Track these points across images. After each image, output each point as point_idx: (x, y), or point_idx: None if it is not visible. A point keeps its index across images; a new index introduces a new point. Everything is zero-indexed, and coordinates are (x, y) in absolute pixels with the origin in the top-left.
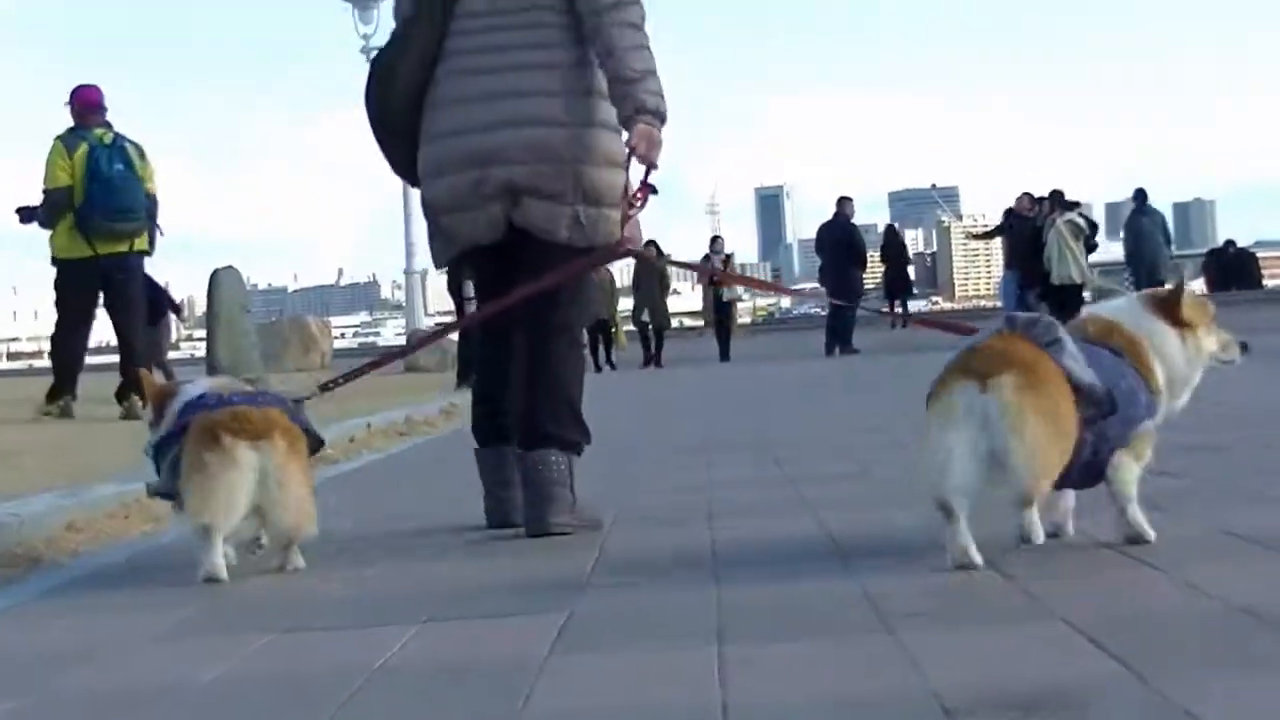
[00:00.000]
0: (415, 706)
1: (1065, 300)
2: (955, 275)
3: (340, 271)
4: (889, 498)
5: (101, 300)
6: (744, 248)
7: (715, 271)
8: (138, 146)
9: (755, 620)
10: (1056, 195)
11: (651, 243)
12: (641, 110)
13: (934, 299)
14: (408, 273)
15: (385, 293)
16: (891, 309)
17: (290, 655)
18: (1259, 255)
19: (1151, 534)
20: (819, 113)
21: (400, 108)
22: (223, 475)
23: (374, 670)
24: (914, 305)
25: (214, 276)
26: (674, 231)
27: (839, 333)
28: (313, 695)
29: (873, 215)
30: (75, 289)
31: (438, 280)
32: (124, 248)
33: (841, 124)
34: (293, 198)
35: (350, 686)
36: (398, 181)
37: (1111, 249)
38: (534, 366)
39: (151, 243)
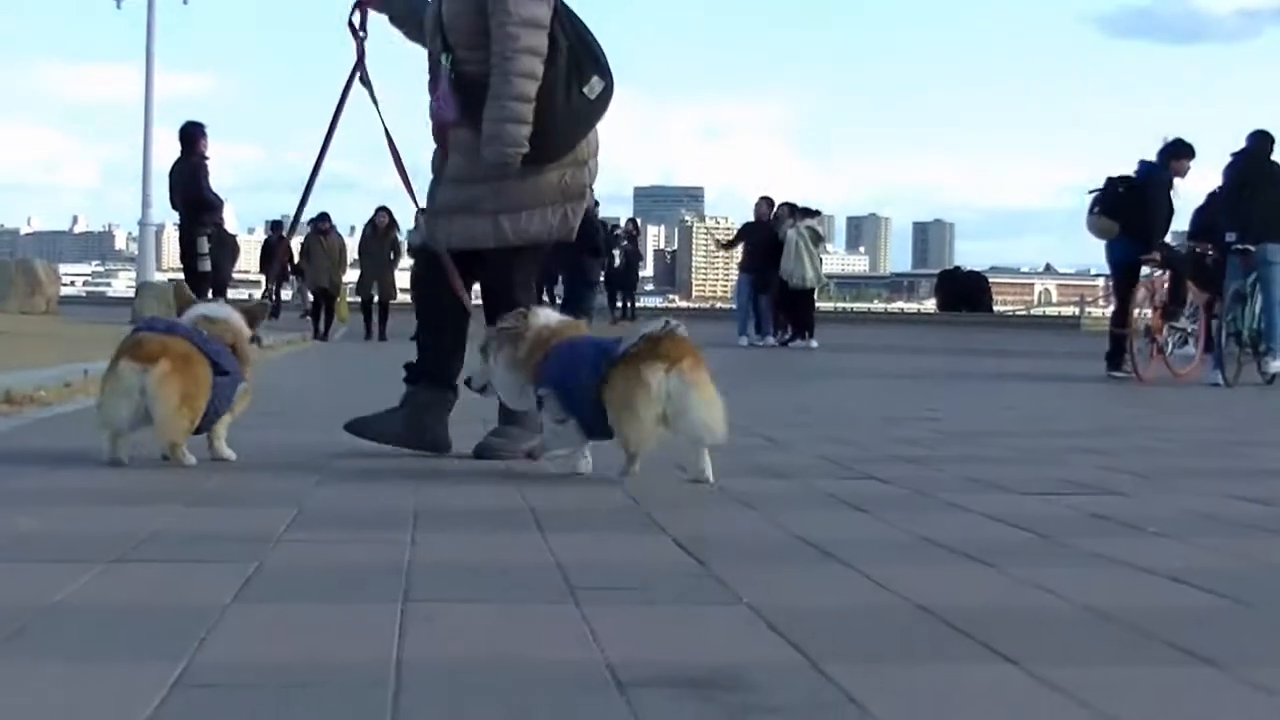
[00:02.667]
0: (83, 645)
1: (798, 302)
2: (694, 275)
3: (75, 219)
4: (592, 478)
5: None
6: None
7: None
8: None
9: (443, 581)
10: (791, 205)
11: (384, 209)
12: None
13: (670, 297)
14: (142, 224)
15: (120, 244)
16: (623, 303)
17: None
18: (992, 280)
19: None
20: None
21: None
22: None
23: (46, 606)
24: (650, 301)
25: None
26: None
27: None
28: None
29: (618, 210)
30: None
31: (172, 235)
32: None
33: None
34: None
35: (20, 619)
36: (136, 136)
37: (851, 261)
38: None
39: None
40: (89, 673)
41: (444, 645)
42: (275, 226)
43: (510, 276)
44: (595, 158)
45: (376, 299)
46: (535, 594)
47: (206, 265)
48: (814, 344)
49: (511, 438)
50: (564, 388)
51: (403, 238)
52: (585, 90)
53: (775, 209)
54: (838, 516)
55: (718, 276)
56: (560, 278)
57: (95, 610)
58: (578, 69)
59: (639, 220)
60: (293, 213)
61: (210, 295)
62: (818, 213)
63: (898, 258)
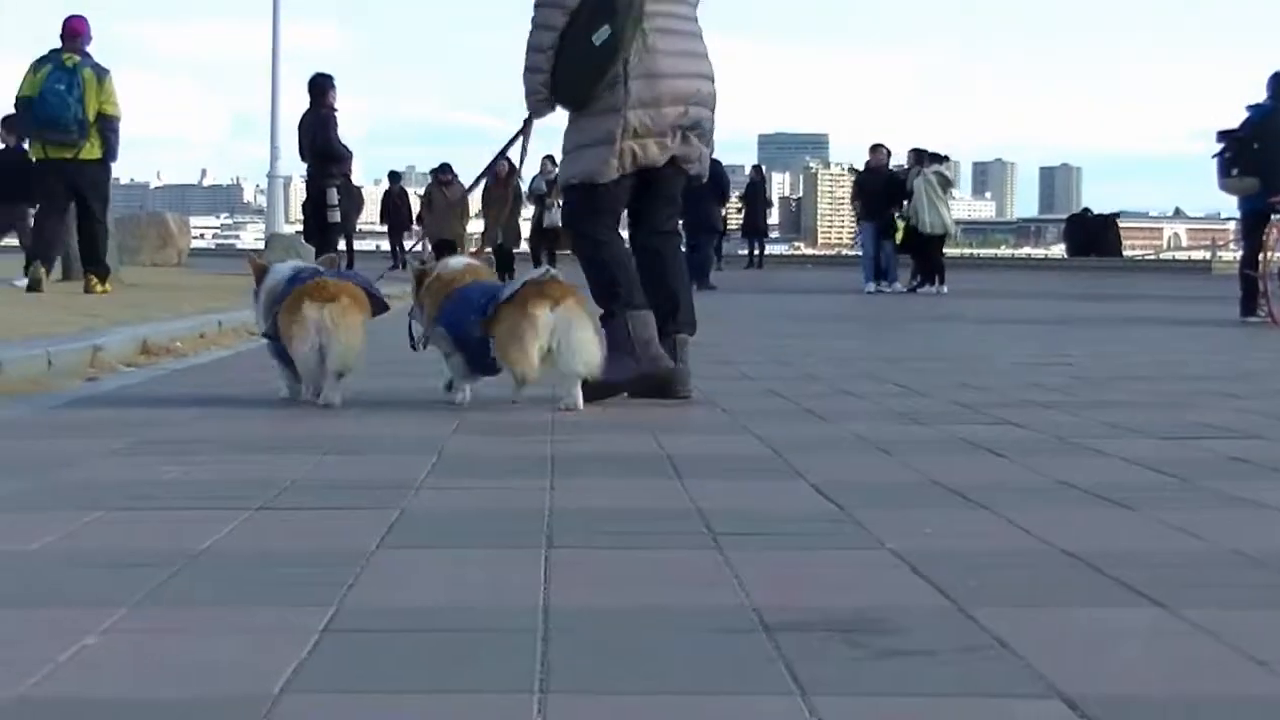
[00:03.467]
0: (232, 590)
1: (928, 247)
2: (820, 222)
3: (204, 172)
4: (728, 425)
5: None
6: None
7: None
8: (99, 72)
9: (585, 527)
10: (919, 150)
11: (505, 156)
12: None
13: (796, 244)
14: (271, 177)
15: (248, 196)
16: (751, 250)
17: (117, 532)
18: (1121, 224)
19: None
20: None
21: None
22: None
23: (198, 552)
24: (775, 249)
25: None
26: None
27: (696, 267)
28: (132, 572)
29: (741, 157)
30: (40, 185)
31: (298, 187)
32: (69, 155)
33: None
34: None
35: (171, 566)
36: (265, 90)
37: (977, 206)
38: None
39: (106, 153)
40: (240, 618)
41: (589, 591)
42: (394, 178)
43: (573, 210)
44: (645, 109)
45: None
46: (677, 540)
47: (336, 216)
48: (944, 290)
49: None
50: (455, 326)
51: (524, 186)
52: (594, 38)
53: (908, 156)
54: (976, 461)
55: (844, 224)
56: (684, 223)
57: (243, 557)
58: (592, 18)
59: (764, 167)
60: (415, 165)
61: (340, 246)
62: (946, 158)
63: (1024, 203)
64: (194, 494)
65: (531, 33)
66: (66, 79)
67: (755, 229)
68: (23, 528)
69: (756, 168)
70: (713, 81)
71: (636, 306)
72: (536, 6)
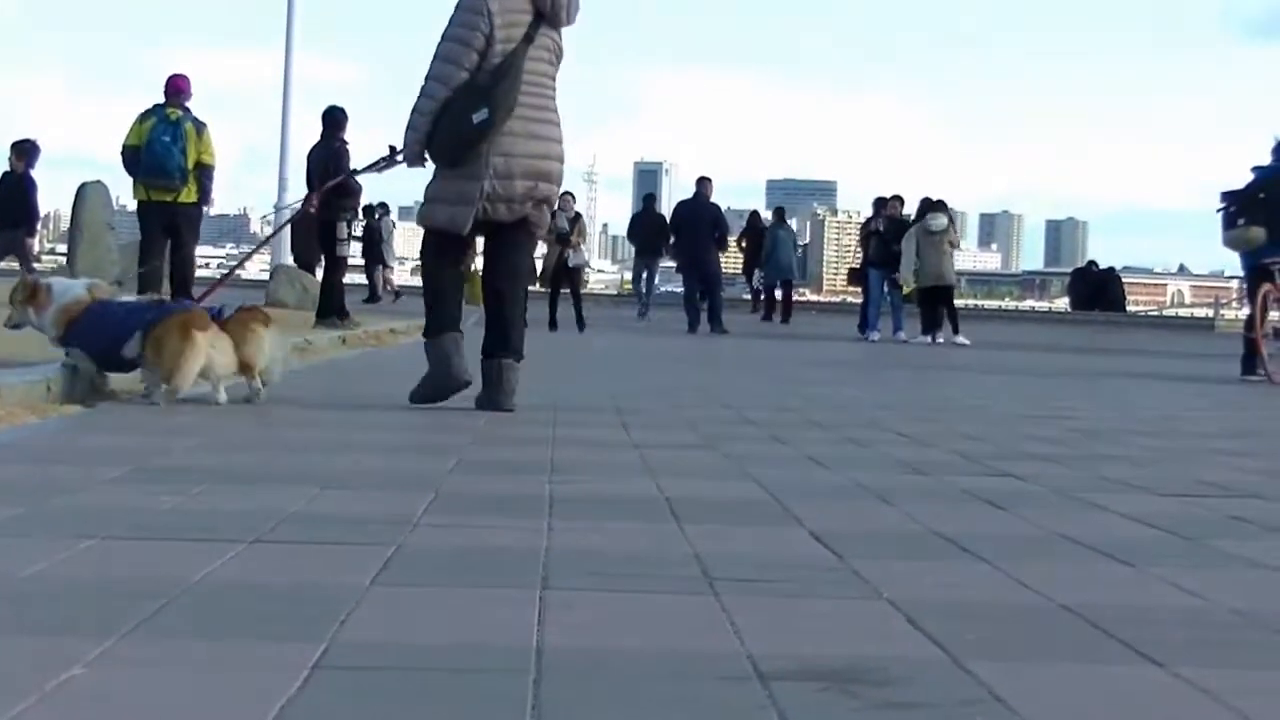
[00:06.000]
0: (225, 623)
1: (939, 298)
2: (826, 268)
3: (211, 201)
4: (728, 469)
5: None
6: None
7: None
8: (199, 125)
9: (581, 568)
10: (928, 199)
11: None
12: None
13: (801, 290)
14: (278, 208)
15: (254, 227)
16: (754, 294)
17: (109, 561)
18: (1125, 279)
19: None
20: (706, 96)
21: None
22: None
23: (191, 583)
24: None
25: (80, 190)
26: None
27: (711, 312)
28: (122, 601)
29: (751, 201)
30: (143, 223)
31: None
32: (169, 198)
33: (728, 109)
34: None
35: (163, 597)
36: (274, 122)
37: (983, 258)
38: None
39: (202, 197)
40: (232, 652)
41: (583, 633)
42: (371, 211)
43: (425, 247)
44: (500, 180)
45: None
46: (674, 584)
47: (345, 250)
48: (959, 340)
49: None
50: (89, 341)
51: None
52: (474, 116)
53: (919, 205)
54: (975, 512)
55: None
56: (690, 271)
57: (236, 590)
58: (473, 99)
59: (768, 213)
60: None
61: (344, 278)
62: (943, 204)
63: (1030, 255)
64: (190, 525)
65: (420, 97)
66: (170, 131)
67: (754, 271)
68: (15, 554)
69: (754, 213)
70: (560, 161)
71: (444, 330)
72: (427, 78)
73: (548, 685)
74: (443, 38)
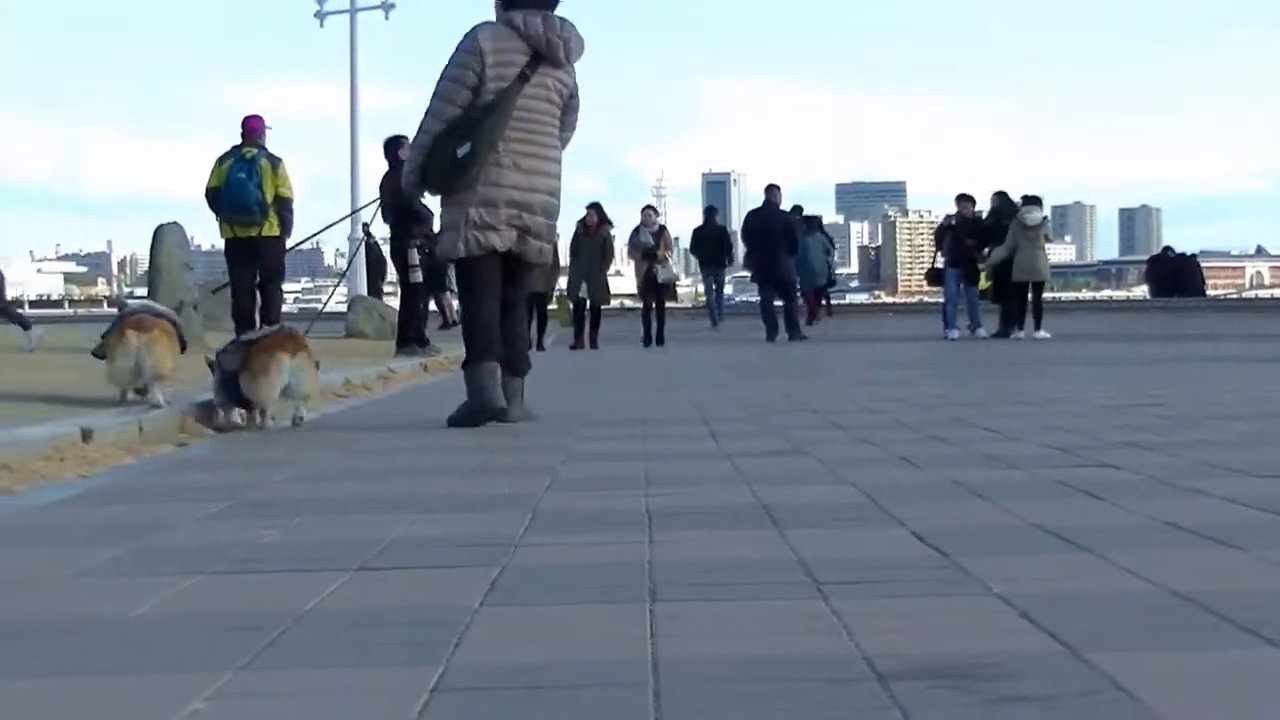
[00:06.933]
0: (340, 651)
1: (1031, 292)
2: (900, 270)
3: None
4: (822, 474)
5: None
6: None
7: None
8: (274, 160)
9: (687, 579)
10: (1003, 194)
11: (595, 205)
12: None
13: (876, 292)
14: (351, 239)
15: (329, 259)
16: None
17: (219, 596)
18: (1202, 264)
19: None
20: (771, 104)
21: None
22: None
23: (302, 613)
24: (856, 298)
25: (157, 232)
26: (620, 213)
27: (788, 320)
28: (237, 635)
29: (820, 207)
30: (230, 260)
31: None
32: (253, 233)
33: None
34: None
35: (277, 628)
36: (345, 155)
37: (1058, 250)
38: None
39: (283, 230)
40: (348, 680)
41: (697, 643)
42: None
43: (456, 279)
44: (484, 207)
45: (587, 302)
46: (781, 590)
47: (418, 276)
48: (1042, 334)
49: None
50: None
51: (616, 238)
52: (458, 150)
53: (991, 199)
54: (1074, 504)
55: (924, 270)
56: (764, 280)
57: (347, 617)
58: (458, 134)
59: (838, 216)
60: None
61: (424, 306)
62: (1038, 200)
63: (1104, 245)
64: (293, 556)
65: (417, 132)
66: (247, 169)
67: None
68: (123, 593)
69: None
70: (549, 195)
71: (480, 360)
72: (425, 114)
73: (668, 697)
74: (440, 76)
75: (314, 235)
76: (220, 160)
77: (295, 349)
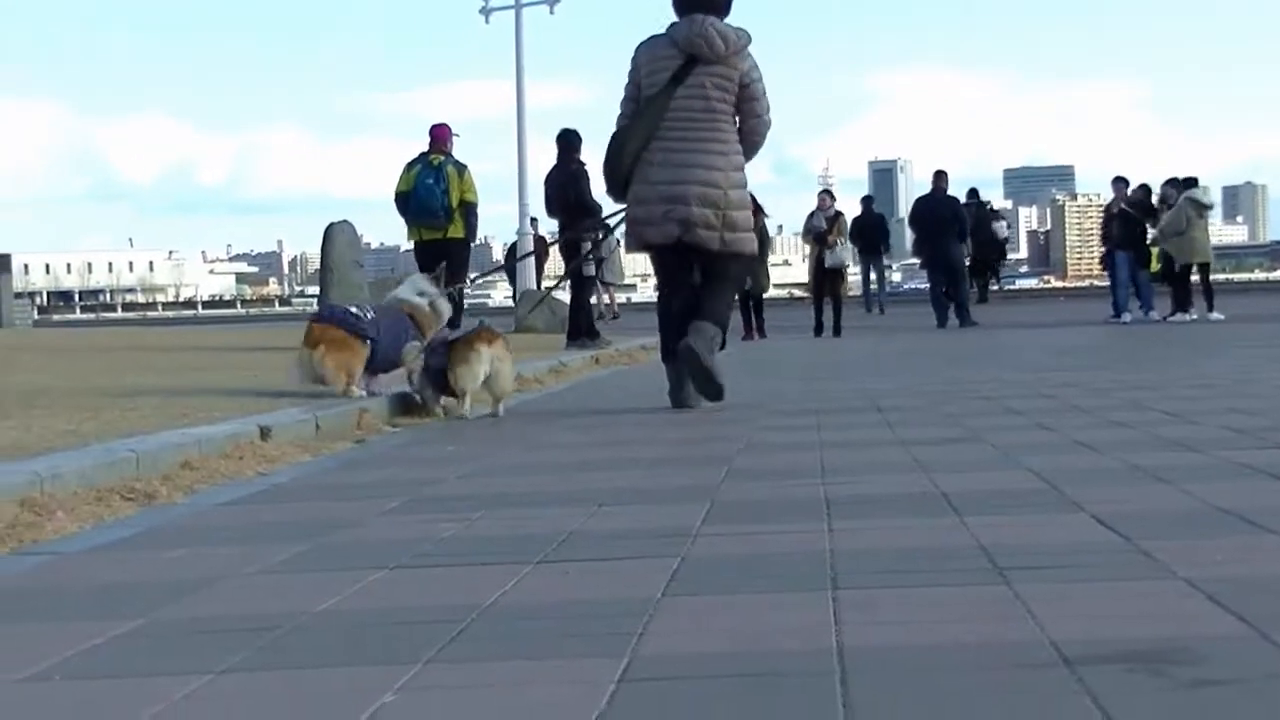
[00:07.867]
0: (525, 643)
1: (1198, 274)
2: (1069, 254)
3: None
4: (999, 460)
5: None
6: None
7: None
8: (459, 167)
9: (869, 567)
10: (1174, 180)
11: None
12: None
13: (1046, 277)
14: (520, 234)
15: (497, 255)
16: (984, 283)
17: (402, 590)
18: None
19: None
20: (936, 90)
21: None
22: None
23: (485, 607)
24: (1026, 283)
25: (328, 230)
26: (787, 202)
27: (958, 306)
28: (422, 629)
29: (988, 193)
30: (419, 263)
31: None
32: (439, 235)
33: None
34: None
35: (460, 622)
36: (513, 151)
37: (1229, 231)
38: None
39: (468, 233)
40: (535, 671)
41: (882, 631)
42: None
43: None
44: (639, 205)
45: (749, 292)
46: (964, 576)
47: (591, 269)
48: (1215, 316)
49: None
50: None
51: (770, 224)
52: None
53: (1162, 186)
54: (1257, 486)
55: (1094, 255)
56: (934, 266)
57: (530, 610)
58: (619, 137)
59: (1008, 201)
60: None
61: (594, 300)
62: (1196, 181)
63: (1277, 225)
64: (474, 549)
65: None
66: (433, 175)
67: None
68: (306, 590)
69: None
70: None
71: (665, 358)
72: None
73: (854, 684)
74: None
75: (597, 236)
76: (409, 166)
77: (493, 340)
